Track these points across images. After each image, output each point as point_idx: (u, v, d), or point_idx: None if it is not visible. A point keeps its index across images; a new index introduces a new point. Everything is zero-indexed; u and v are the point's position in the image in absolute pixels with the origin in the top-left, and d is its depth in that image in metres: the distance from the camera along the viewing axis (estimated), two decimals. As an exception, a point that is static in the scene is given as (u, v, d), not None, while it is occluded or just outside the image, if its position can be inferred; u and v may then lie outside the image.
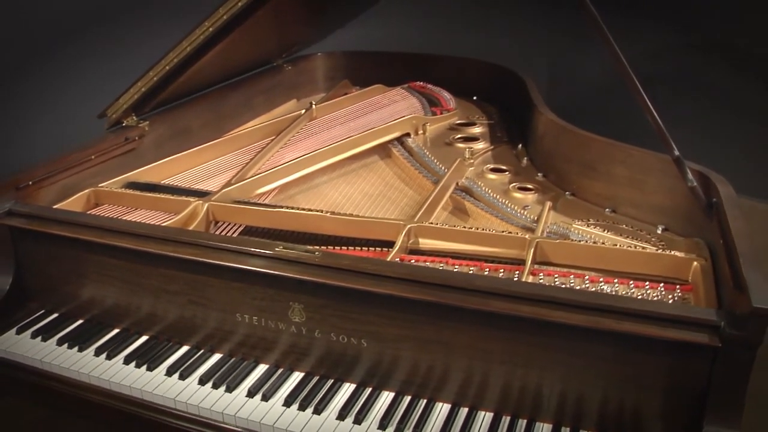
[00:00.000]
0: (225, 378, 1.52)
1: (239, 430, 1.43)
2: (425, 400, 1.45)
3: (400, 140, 2.38)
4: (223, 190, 1.89)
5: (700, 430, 1.26)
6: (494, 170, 2.16)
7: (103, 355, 1.60)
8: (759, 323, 1.22)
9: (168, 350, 1.62)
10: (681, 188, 1.68)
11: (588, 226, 1.82)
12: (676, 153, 1.63)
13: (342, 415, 1.41)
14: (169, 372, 1.55)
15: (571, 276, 1.57)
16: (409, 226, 1.69)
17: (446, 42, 3.14)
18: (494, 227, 1.80)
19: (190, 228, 1.74)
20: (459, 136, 2.45)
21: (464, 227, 1.69)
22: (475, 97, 2.88)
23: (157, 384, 1.52)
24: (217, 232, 1.82)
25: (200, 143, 2.22)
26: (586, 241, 1.67)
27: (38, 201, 1.80)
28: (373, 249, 1.70)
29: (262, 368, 1.56)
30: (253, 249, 1.51)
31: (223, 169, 2.16)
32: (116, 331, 1.69)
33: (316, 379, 1.52)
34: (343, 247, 1.71)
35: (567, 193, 2.02)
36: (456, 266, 1.61)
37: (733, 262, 1.37)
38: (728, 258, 1.41)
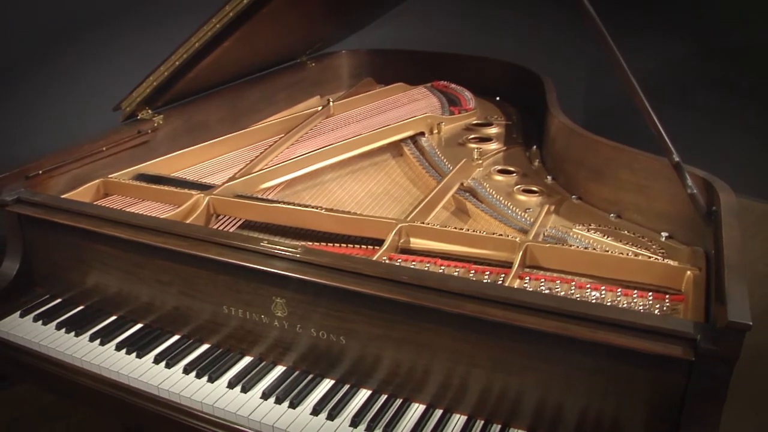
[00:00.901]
0: (208, 369, 1.55)
1: (216, 419, 1.45)
2: (401, 400, 1.45)
3: (413, 139, 2.37)
4: (227, 184, 1.93)
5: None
6: (502, 171, 2.13)
7: (97, 341, 1.65)
8: (734, 338, 1.17)
9: (158, 339, 1.66)
10: (685, 195, 1.62)
11: (588, 231, 1.78)
12: (676, 159, 1.58)
13: (316, 411, 1.42)
14: (157, 360, 1.59)
15: (558, 281, 1.54)
16: (400, 225, 1.69)
17: (473, 42, 3.12)
18: (493, 229, 1.79)
19: (189, 220, 1.77)
20: (473, 136, 2.42)
21: (455, 228, 1.68)
22: (498, 98, 2.84)
23: (143, 371, 1.56)
24: (217, 226, 1.85)
25: (216, 138, 2.26)
26: (586, 247, 1.63)
27: (49, 190, 1.87)
28: (365, 247, 1.71)
29: (246, 360, 1.58)
30: (238, 243, 1.53)
31: (234, 164, 2.19)
32: (113, 318, 1.74)
33: (296, 373, 1.54)
34: (338, 245, 1.72)
35: (573, 196, 1.98)
36: (443, 267, 1.60)
37: (718, 274, 1.32)
38: (716, 269, 1.37)
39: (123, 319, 1.73)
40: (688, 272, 1.50)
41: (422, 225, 1.70)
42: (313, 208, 1.79)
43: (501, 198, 1.93)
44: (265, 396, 1.47)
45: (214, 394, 1.48)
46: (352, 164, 2.23)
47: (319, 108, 2.53)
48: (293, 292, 1.49)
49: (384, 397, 1.46)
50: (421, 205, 1.80)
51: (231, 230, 1.84)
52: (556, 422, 1.35)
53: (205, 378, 1.53)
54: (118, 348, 1.63)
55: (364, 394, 1.47)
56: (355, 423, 1.39)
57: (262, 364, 1.57)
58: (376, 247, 1.68)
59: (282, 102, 2.70)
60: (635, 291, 1.50)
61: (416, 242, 1.70)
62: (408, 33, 3.16)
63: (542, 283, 1.53)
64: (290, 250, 1.49)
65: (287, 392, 1.47)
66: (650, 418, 1.28)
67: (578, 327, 1.26)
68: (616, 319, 1.25)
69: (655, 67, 2.83)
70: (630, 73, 1.56)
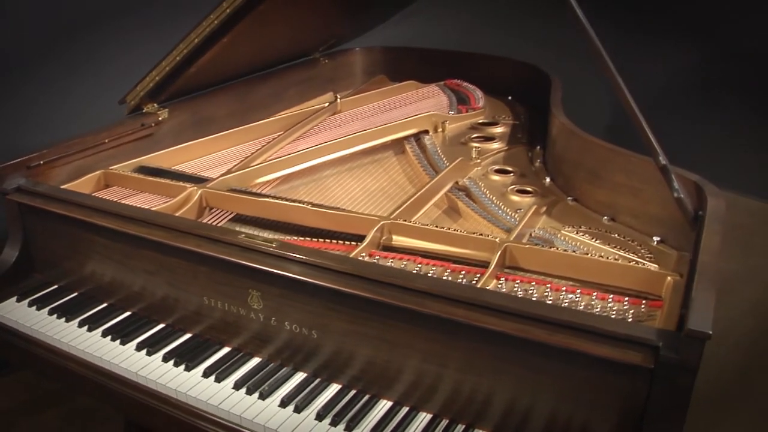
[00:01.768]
0: (186, 358, 1.58)
1: (188, 407, 1.48)
2: (368, 396, 1.46)
3: (416, 137, 2.37)
4: (221, 178, 1.96)
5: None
6: (499, 171, 2.12)
7: (85, 327, 1.70)
8: (693, 346, 1.14)
9: (143, 327, 1.70)
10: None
11: (578, 233, 1.76)
12: (663, 161, 1.54)
13: (284, 403, 1.44)
14: (138, 347, 1.63)
15: (533, 283, 1.52)
16: (382, 222, 1.69)
17: (490, 42, 3.09)
18: (481, 229, 1.77)
19: (180, 212, 1.80)
20: (476, 135, 2.41)
21: (437, 227, 1.67)
22: (510, 97, 2.82)
23: (124, 358, 1.60)
24: (209, 219, 1.89)
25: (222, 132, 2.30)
26: (574, 251, 1.61)
27: (50, 180, 1.93)
28: (351, 243, 1.71)
29: (223, 351, 1.61)
30: (215, 235, 1.56)
31: (236, 158, 2.22)
32: (103, 305, 1.79)
33: (270, 366, 1.55)
34: (326, 240, 1.73)
35: (569, 198, 1.96)
36: (420, 265, 1.60)
37: (689, 280, 1.29)
38: (689, 275, 1.33)
39: (112, 306, 1.78)
40: (669, 278, 1.46)
41: (404, 223, 1.70)
42: (298, 203, 1.80)
43: (493, 198, 1.91)
44: (237, 386, 1.49)
45: (188, 383, 1.51)
46: (352, 161, 2.24)
47: (326, 104, 2.54)
48: (267, 285, 1.51)
49: (353, 393, 1.47)
50: (407, 202, 1.80)
51: (221, 223, 1.87)
52: (521, 425, 1.34)
53: (182, 367, 1.56)
54: (104, 335, 1.68)
55: (333, 389, 1.48)
56: (320, 416, 1.40)
57: (239, 355, 1.59)
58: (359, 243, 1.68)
59: (293, 98, 2.72)
60: (611, 295, 1.47)
61: (398, 240, 1.70)
62: (423, 31, 3.15)
63: (517, 284, 1.52)
64: (265, 243, 1.51)
65: (258, 384, 1.49)
66: (616, 424, 1.25)
67: (537, 329, 1.24)
68: (576, 322, 1.23)
69: (675, 71, 2.76)
70: (618, 75, 1.53)
